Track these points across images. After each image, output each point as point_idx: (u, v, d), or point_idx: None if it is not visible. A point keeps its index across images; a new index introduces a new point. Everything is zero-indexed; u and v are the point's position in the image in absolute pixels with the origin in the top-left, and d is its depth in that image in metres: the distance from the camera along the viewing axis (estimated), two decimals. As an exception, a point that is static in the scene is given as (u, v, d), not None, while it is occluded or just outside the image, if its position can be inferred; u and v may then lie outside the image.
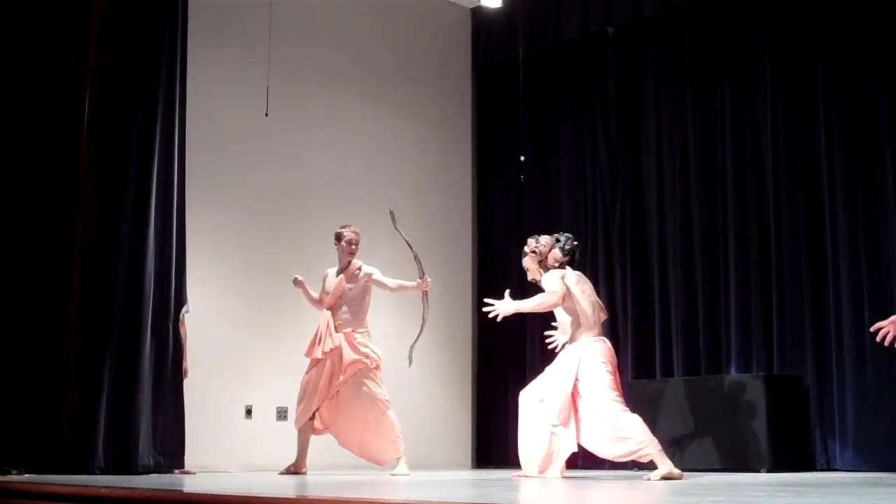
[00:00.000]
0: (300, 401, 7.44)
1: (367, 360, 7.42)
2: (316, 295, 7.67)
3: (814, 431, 8.14)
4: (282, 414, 8.64)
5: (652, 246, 9.42)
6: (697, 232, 9.14)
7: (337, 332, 7.44)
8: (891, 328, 5.00)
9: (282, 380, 8.23)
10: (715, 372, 8.66)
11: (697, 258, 9.09)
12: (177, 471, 7.33)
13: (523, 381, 10.11)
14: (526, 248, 7.09)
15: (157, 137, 7.56)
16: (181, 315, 7.57)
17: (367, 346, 7.48)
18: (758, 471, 7.56)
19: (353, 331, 7.50)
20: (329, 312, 7.52)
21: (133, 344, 7.26)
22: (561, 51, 10.33)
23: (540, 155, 10.34)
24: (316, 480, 6.33)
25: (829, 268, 8.31)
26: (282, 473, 7.36)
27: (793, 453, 7.99)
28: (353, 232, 7.68)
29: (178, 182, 7.64)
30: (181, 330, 7.58)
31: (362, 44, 9.97)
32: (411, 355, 7.69)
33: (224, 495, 4.30)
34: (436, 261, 10.07)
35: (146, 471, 7.10)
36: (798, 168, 8.63)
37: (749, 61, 9.03)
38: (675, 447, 7.70)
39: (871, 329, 5.09)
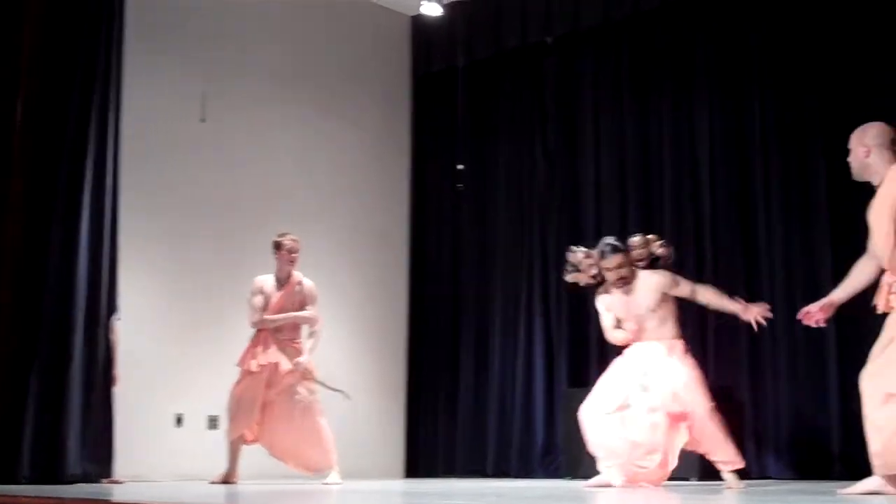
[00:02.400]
0: (233, 413, 7.35)
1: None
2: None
3: (746, 440, 8.18)
4: (213, 422, 8.53)
5: (589, 254, 9.44)
6: (634, 240, 9.18)
7: (273, 341, 7.41)
8: (820, 314, 5.14)
9: (213, 388, 8.08)
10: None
11: (634, 266, 9.12)
12: (105, 480, 7.22)
13: (456, 389, 10.13)
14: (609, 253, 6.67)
15: (91, 142, 7.44)
16: (112, 322, 7.47)
17: (302, 355, 7.44)
18: (687, 479, 7.58)
19: (291, 340, 7.48)
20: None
21: (62, 350, 7.13)
22: (500, 59, 10.32)
23: (478, 163, 10.33)
24: (247, 490, 6.27)
25: (763, 276, 8.39)
26: (213, 483, 7.27)
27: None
28: (293, 240, 7.62)
29: (111, 187, 7.53)
30: (111, 337, 7.48)
31: (301, 50, 9.90)
32: (345, 392, 7.67)
33: (151, 505, 4.24)
34: (370, 268, 10.07)
35: (74, 480, 6.96)
36: (734, 177, 8.72)
37: (687, 73, 9.10)
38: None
39: (798, 316, 5.20)
